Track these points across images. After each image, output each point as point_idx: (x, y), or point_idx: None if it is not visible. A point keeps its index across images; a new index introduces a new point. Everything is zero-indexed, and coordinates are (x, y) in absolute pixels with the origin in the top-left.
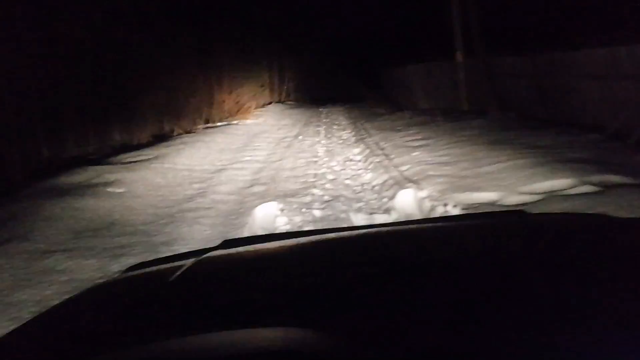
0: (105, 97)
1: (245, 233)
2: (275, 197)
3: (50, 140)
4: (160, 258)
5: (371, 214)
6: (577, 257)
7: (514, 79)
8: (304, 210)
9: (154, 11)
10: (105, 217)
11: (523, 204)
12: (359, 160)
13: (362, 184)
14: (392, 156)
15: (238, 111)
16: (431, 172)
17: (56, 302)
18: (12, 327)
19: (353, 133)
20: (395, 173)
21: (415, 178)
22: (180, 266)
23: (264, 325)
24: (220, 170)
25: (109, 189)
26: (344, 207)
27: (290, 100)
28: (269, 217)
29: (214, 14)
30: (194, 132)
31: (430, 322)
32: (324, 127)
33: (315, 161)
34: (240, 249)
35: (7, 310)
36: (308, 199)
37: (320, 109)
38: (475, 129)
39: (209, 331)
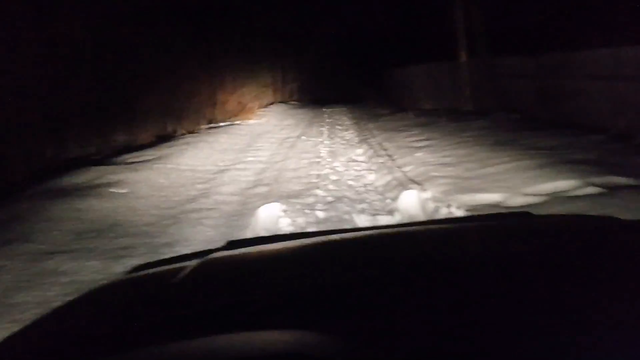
0: (108, 97)
1: (248, 234)
2: (278, 198)
3: (52, 140)
4: (164, 259)
5: (374, 215)
6: (584, 260)
7: (516, 79)
8: (307, 211)
9: (157, 12)
10: (107, 218)
11: (527, 206)
12: (362, 161)
13: (366, 185)
14: (395, 157)
15: (241, 111)
16: (434, 173)
17: (58, 303)
18: (14, 329)
19: (356, 133)
20: (398, 174)
21: (418, 179)
22: (185, 267)
23: (269, 328)
24: (223, 171)
25: (112, 190)
26: (347, 208)
27: (293, 101)
28: (272, 218)
29: (216, 15)
30: (197, 133)
31: (436, 324)
32: (327, 127)
33: (319, 162)
34: (245, 249)
35: (9, 312)
36: (311, 199)
37: (323, 109)
38: (478, 130)
39: (213, 333)
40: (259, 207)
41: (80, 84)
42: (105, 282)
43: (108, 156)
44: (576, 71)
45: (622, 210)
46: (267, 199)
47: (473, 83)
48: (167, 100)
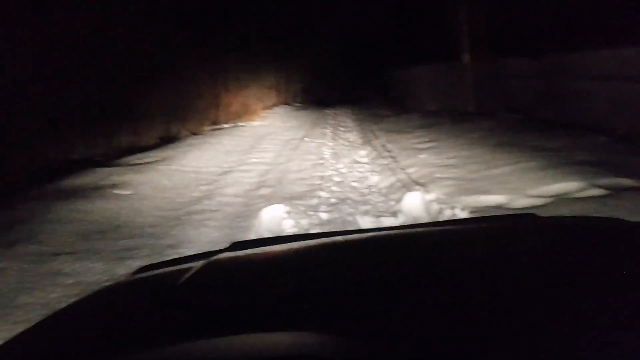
0: (112, 99)
1: (252, 236)
2: (282, 200)
3: (56, 142)
4: (169, 260)
5: (378, 217)
6: (590, 262)
7: (520, 80)
8: (310, 212)
9: (161, 14)
10: (112, 219)
11: (532, 207)
12: (366, 163)
13: (369, 187)
14: (399, 158)
15: (245, 113)
16: (438, 175)
17: (62, 305)
18: (18, 330)
19: (359, 135)
20: (402, 175)
21: (422, 180)
22: (189, 268)
23: (273, 329)
24: (226, 172)
25: (116, 191)
26: (350, 210)
27: (296, 102)
28: (276, 220)
29: (220, 17)
30: (201, 134)
31: (438, 326)
32: (331, 129)
33: (322, 163)
34: (249, 251)
35: (13, 313)
36: (315, 201)
37: (326, 111)
38: (482, 131)
39: (218, 334)
40: (262, 208)
41: (83, 85)
42: (109, 283)
43: (112, 157)
44: (579, 72)
45: (628, 211)
46: (270, 200)
47: (476, 84)
48: (170, 102)
